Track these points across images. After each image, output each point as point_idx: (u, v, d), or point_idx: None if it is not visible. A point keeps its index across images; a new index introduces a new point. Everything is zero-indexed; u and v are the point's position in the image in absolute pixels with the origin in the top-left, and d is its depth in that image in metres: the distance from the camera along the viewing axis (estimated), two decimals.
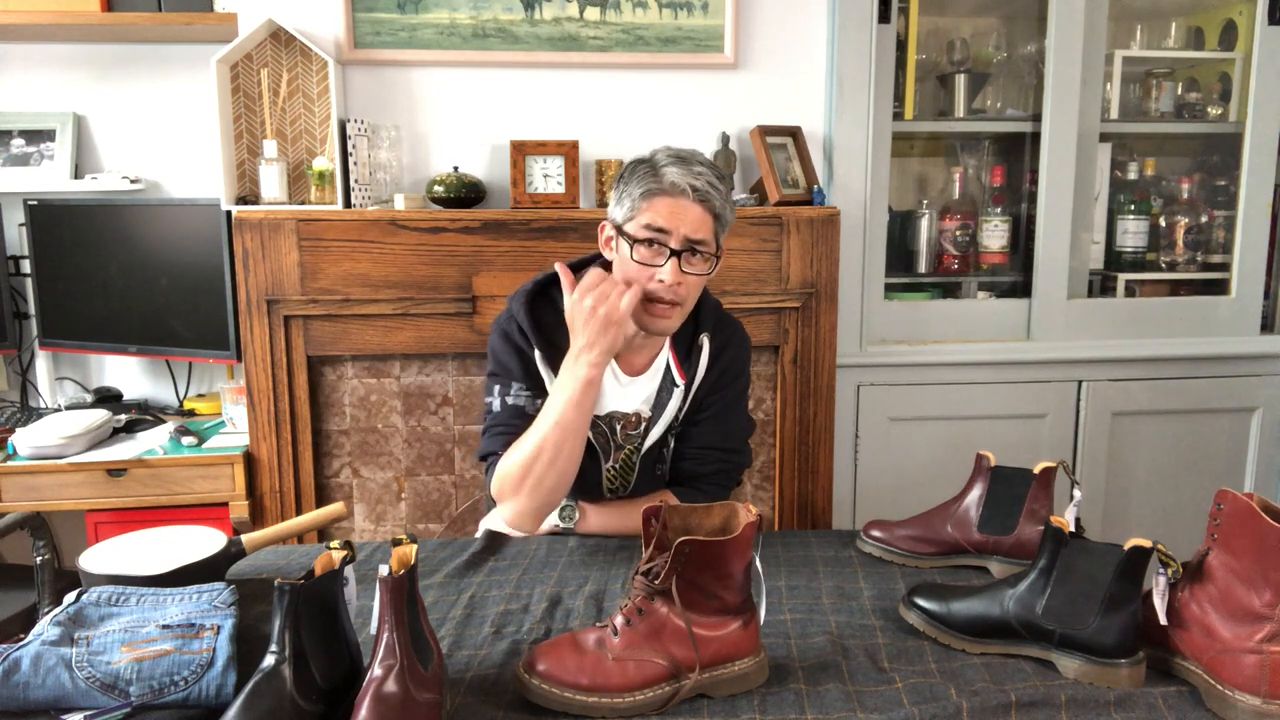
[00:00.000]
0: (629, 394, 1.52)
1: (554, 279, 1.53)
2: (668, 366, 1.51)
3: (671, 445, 1.55)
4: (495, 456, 1.47)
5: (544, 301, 1.51)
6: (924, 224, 2.55)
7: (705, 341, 1.51)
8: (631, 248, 1.38)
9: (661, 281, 1.37)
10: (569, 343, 1.45)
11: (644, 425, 1.53)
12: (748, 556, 1.06)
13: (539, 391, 1.48)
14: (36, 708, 0.97)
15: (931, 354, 2.42)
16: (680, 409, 1.51)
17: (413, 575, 0.97)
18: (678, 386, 1.50)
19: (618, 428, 1.52)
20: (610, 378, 1.51)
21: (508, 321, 1.51)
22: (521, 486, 1.40)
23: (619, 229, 1.41)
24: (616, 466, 1.55)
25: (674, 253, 1.37)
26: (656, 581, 1.03)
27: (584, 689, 1.00)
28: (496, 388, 1.51)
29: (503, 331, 1.51)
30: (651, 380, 1.52)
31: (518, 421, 1.47)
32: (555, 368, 1.46)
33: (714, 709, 1.02)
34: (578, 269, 1.52)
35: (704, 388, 1.52)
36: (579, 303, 1.38)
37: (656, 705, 1.01)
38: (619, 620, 1.05)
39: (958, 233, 2.52)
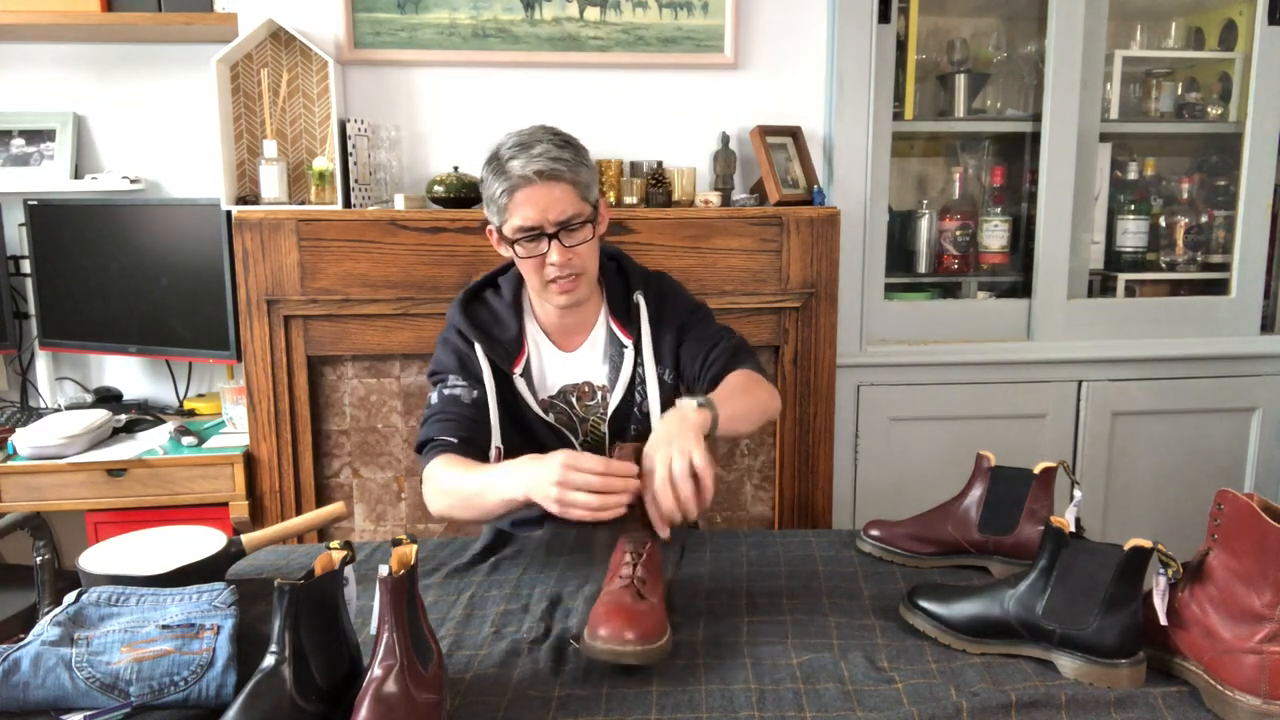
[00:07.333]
0: (569, 368, 1.57)
1: (484, 284, 1.61)
2: (609, 332, 1.56)
3: (640, 403, 1.55)
4: (433, 443, 1.44)
5: (478, 304, 1.58)
6: (924, 224, 2.55)
7: (640, 299, 1.56)
8: (514, 248, 1.45)
9: (553, 264, 1.43)
10: (506, 337, 1.52)
11: (600, 394, 1.56)
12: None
13: (475, 384, 1.51)
14: (36, 708, 0.98)
15: (931, 354, 2.42)
16: (635, 368, 1.54)
17: (413, 575, 0.97)
18: (626, 347, 1.54)
19: (574, 401, 1.56)
20: (551, 354, 1.56)
21: (448, 330, 1.57)
22: (447, 506, 1.39)
23: (499, 232, 1.47)
24: (589, 439, 1.58)
25: (550, 236, 1.42)
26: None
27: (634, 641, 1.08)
28: (436, 385, 1.54)
29: (443, 339, 1.56)
30: (591, 350, 1.57)
31: (454, 409, 1.48)
32: (498, 358, 1.51)
33: (712, 705, 1.02)
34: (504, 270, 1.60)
35: (663, 339, 1.56)
36: (571, 467, 1.18)
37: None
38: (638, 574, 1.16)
39: (958, 233, 2.51)
